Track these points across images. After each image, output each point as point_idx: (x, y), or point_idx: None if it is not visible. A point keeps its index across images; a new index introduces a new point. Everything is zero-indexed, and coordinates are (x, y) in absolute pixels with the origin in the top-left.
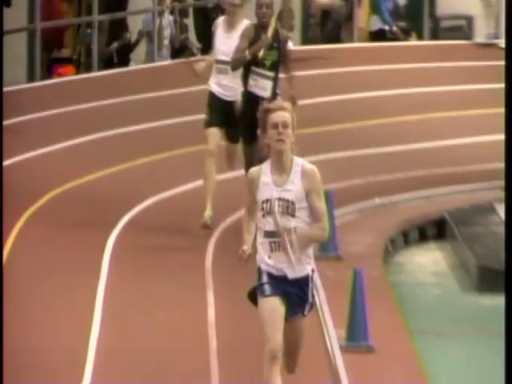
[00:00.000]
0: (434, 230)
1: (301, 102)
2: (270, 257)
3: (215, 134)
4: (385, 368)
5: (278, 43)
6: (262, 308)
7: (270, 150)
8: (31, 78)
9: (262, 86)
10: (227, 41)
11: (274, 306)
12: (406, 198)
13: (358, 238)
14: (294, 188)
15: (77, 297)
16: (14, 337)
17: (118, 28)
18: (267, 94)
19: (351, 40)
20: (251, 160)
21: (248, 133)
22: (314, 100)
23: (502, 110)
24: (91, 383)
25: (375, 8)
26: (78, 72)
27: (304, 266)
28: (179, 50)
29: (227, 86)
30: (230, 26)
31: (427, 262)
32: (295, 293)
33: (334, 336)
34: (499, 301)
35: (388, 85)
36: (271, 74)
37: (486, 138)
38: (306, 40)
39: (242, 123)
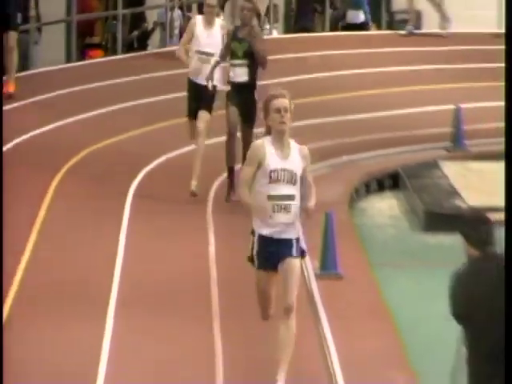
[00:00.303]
0: (390, 181)
1: (281, 80)
2: (271, 216)
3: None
4: (351, 291)
5: (249, 36)
6: (257, 279)
7: (271, 130)
8: (68, 59)
9: (239, 74)
10: (209, 35)
11: (265, 281)
12: (368, 156)
13: (329, 188)
14: (295, 161)
15: (103, 235)
16: (50, 268)
17: (137, 20)
18: (245, 78)
19: (323, 29)
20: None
21: (236, 112)
22: (291, 78)
23: (443, 86)
24: (115, 311)
25: (360, 4)
26: (105, 55)
27: (295, 229)
28: None
29: (205, 72)
30: (209, 23)
31: (384, 208)
32: (281, 250)
33: (310, 266)
34: (442, 239)
35: (352, 66)
36: (245, 61)
37: (431, 108)
38: (288, 30)
39: (228, 102)
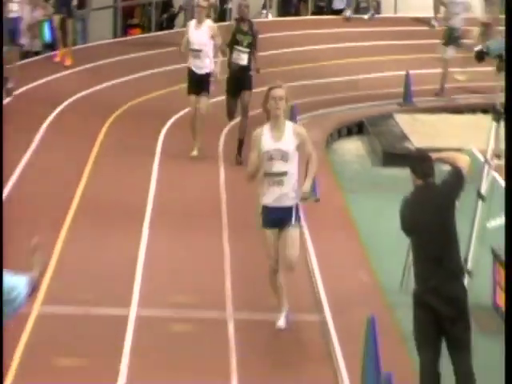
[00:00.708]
0: (356, 128)
1: (271, 52)
2: (267, 189)
3: (193, 99)
4: (327, 211)
5: (251, 31)
6: (264, 236)
7: (269, 115)
8: (114, 36)
9: (241, 58)
10: (197, 34)
11: (270, 235)
12: (339, 109)
13: (310, 134)
14: (287, 141)
15: (140, 165)
16: (96, 191)
17: (166, 5)
18: (244, 62)
19: (307, 14)
20: (235, 106)
21: (233, 89)
22: (280, 51)
23: (396, 57)
24: (150, 227)
25: None
26: (142, 32)
27: (290, 198)
28: None
29: (199, 65)
30: (199, 22)
31: (352, 148)
32: (282, 216)
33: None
34: (395, 172)
35: (327, 41)
36: (247, 49)
37: (388, 74)
38: (279, 14)
39: (229, 81)
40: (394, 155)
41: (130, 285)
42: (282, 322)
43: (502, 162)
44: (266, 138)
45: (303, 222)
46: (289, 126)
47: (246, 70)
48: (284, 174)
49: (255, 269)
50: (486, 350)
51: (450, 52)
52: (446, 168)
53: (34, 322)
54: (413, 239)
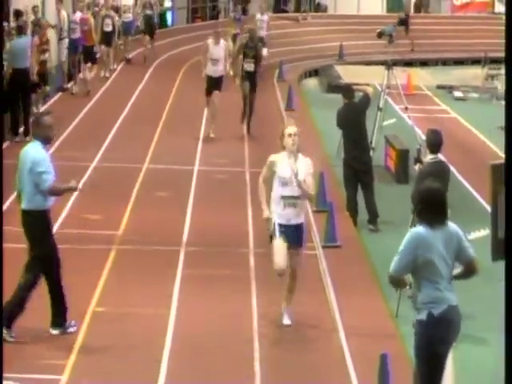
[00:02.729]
0: (314, 72)
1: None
2: (283, 210)
3: (209, 99)
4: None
5: (255, 47)
6: (274, 244)
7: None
8: (187, 22)
9: (250, 66)
10: (216, 49)
11: (280, 243)
12: (305, 62)
13: (290, 75)
14: (301, 170)
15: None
16: (178, 103)
17: (215, 6)
18: (252, 69)
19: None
20: (251, 100)
21: (248, 86)
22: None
23: (335, 35)
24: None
25: None
26: (202, 21)
27: (301, 218)
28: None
29: (216, 70)
30: (216, 42)
31: (312, 83)
32: (294, 234)
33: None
34: (335, 96)
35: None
36: (253, 60)
37: (330, 44)
38: (275, 11)
39: (242, 83)
40: (334, 86)
41: None
42: (286, 320)
43: (391, 90)
44: (283, 165)
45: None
46: (301, 157)
47: (253, 74)
48: (298, 197)
49: None
50: (388, 191)
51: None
52: (360, 93)
53: None
54: (343, 132)
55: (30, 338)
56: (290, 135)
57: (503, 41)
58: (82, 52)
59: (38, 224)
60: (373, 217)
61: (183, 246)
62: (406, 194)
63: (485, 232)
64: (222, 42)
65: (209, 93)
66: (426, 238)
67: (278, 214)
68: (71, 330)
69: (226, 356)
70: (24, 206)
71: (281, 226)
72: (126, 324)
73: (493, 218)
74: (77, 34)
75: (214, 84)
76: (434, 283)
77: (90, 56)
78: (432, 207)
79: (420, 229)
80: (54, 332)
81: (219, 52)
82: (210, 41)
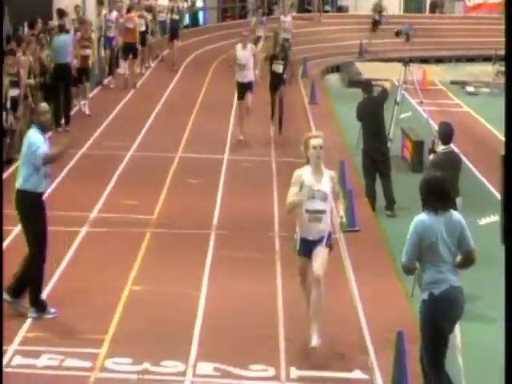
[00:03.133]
0: (336, 68)
1: (296, 31)
2: (308, 224)
3: (241, 103)
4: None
5: (284, 50)
6: (299, 262)
7: (309, 160)
8: (217, 21)
9: (278, 68)
10: (243, 54)
11: (304, 262)
12: (328, 59)
13: (313, 71)
14: (326, 184)
15: (229, 81)
16: (210, 96)
17: (243, 6)
18: (280, 70)
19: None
20: (275, 101)
21: (273, 87)
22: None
23: (351, 34)
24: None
25: None
26: (231, 20)
27: (325, 233)
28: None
29: (245, 76)
30: (244, 46)
31: (334, 78)
32: (315, 244)
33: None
34: (355, 91)
35: (314, 26)
36: (282, 62)
37: (349, 42)
38: (299, 11)
39: (271, 83)
40: (354, 82)
41: None
42: (315, 342)
43: (408, 86)
44: (308, 179)
45: None
46: (325, 171)
47: (281, 75)
48: (323, 212)
49: None
50: (404, 180)
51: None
52: (379, 88)
53: None
54: (363, 124)
55: (68, 313)
56: (314, 147)
57: None
58: (123, 48)
59: (30, 204)
60: (390, 203)
61: (213, 230)
62: None
63: (495, 218)
64: (249, 46)
65: (240, 98)
66: (428, 223)
67: (301, 228)
68: (49, 316)
69: (252, 335)
70: (19, 185)
71: (303, 240)
72: (160, 302)
73: (503, 205)
74: (112, 32)
75: (245, 89)
76: (436, 266)
77: (131, 52)
78: (436, 195)
79: (422, 216)
80: (32, 315)
81: (247, 57)
82: (239, 46)
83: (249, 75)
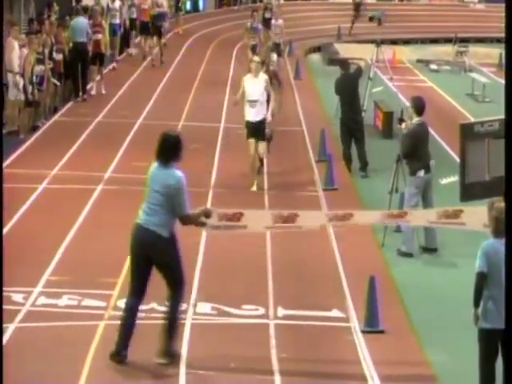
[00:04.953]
0: (318, 49)
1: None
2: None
3: (252, 143)
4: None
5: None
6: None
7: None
8: (215, 7)
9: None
10: (254, 87)
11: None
12: (310, 40)
13: (297, 51)
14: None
15: (227, 56)
16: (209, 69)
17: None
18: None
19: None
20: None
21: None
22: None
23: (332, 19)
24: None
25: None
26: (227, 6)
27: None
28: None
29: (257, 113)
30: (255, 74)
31: (316, 58)
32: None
33: None
34: (334, 69)
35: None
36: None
37: (327, 26)
38: None
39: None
40: (333, 60)
41: None
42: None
43: (379, 64)
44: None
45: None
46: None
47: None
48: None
49: None
50: (376, 145)
51: None
52: (355, 66)
53: None
54: (340, 97)
55: (87, 259)
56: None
57: (469, 23)
58: (140, 26)
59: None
60: (363, 165)
61: (211, 188)
62: (391, 147)
63: (454, 178)
64: (261, 75)
65: (251, 137)
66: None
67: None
68: None
69: (245, 275)
70: None
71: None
72: None
73: (461, 167)
74: (117, 20)
75: (256, 131)
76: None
77: (146, 29)
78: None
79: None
80: None
81: (258, 89)
82: (247, 76)
83: (261, 111)
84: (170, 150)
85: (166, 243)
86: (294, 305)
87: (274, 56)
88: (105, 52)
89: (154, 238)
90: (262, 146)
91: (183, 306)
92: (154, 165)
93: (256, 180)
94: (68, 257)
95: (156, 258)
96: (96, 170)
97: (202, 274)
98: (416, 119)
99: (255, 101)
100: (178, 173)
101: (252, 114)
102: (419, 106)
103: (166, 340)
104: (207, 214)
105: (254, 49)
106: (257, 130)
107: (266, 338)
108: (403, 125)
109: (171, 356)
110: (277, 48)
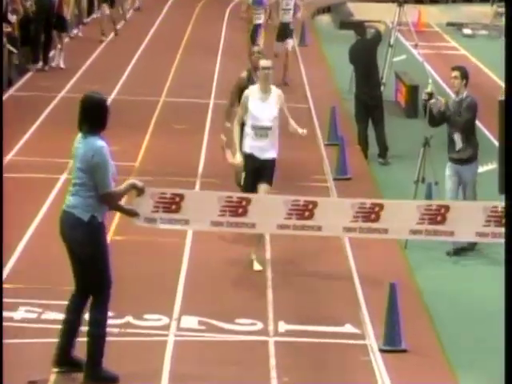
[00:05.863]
0: (327, 9)
1: None
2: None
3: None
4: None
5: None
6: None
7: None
8: None
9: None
10: (263, 106)
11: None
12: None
13: (305, 11)
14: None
15: (217, 19)
16: (197, 33)
17: None
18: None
19: None
20: None
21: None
22: None
23: None
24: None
25: None
26: None
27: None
28: None
29: (264, 147)
30: (264, 89)
31: (324, 19)
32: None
33: None
34: (346, 32)
35: None
36: None
37: None
38: None
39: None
40: (345, 23)
41: None
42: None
43: (402, 27)
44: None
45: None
46: (273, 90)
47: None
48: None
49: None
50: (398, 126)
51: None
52: (372, 30)
53: None
54: (354, 66)
55: (48, 262)
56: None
57: None
58: None
59: None
60: (383, 150)
61: (198, 178)
62: (416, 128)
63: (492, 166)
64: (273, 89)
65: (251, 187)
66: None
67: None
68: None
69: (239, 283)
70: None
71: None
72: (144, 251)
73: (500, 152)
74: None
75: (260, 172)
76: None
77: None
78: None
79: None
80: None
81: (270, 111)
82: (253, 90)
83: (273, 144)
84: (91, 116)
85: (88, 230)
86: (298, 318)
87: (290, 41)
88: (66, 16)
89: (73, 222)
90: (266, 189)
91: (120, 318)
92: (77, 137)
93: (259, 251)
94: (25, 261)
95: (75, 248)
96: (59, 156)
97: (188, 281)
98: (465, 93)
99: (266, 128)
100: (99, 142)
101: (257, 148)
102: (468, 78)
103: (92, 364)
104: (138, 191)
105: (255, 30)
106: (261, 173)
107: (265, 358)
108: (436, 99)
109: (107, 382)
110: (287, 29)
